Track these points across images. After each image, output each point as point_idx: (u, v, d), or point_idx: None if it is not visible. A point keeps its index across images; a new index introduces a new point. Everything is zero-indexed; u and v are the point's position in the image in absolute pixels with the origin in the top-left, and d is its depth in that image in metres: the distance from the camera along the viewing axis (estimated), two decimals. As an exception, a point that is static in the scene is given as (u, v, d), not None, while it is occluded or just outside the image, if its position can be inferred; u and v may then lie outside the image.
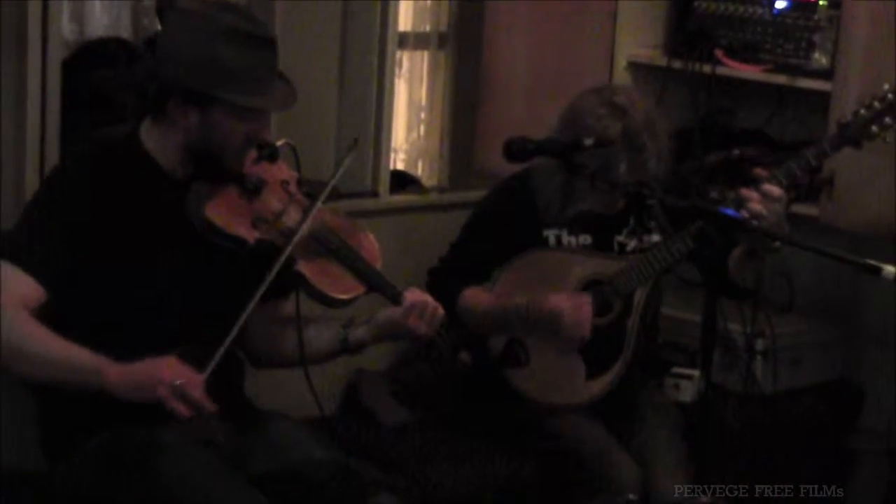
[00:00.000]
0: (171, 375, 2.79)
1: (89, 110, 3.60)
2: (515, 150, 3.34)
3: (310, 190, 3.09)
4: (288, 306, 3.12)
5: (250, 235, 2.98)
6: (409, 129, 4.60)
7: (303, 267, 2.99)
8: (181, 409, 2.78)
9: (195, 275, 3.01)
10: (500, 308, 3.54)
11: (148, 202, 3.00)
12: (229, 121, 2.93)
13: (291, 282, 3.01)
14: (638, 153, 3.44)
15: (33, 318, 2.86)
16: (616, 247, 3.63)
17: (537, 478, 3.64)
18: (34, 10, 3.36)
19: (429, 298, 3.09)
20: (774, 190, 3.34)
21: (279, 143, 3.05)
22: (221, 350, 2.86)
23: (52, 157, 3.41)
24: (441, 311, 3.08)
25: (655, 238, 3.61)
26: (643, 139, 3.45)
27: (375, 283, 3.06)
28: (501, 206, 3.68)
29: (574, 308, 3.47)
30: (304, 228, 2.98)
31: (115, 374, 2.80)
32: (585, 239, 3.62)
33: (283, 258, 2.93)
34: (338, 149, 3.96)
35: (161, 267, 2.98)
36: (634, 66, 4.53)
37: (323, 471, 2.97)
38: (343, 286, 3.04)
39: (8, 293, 2.85)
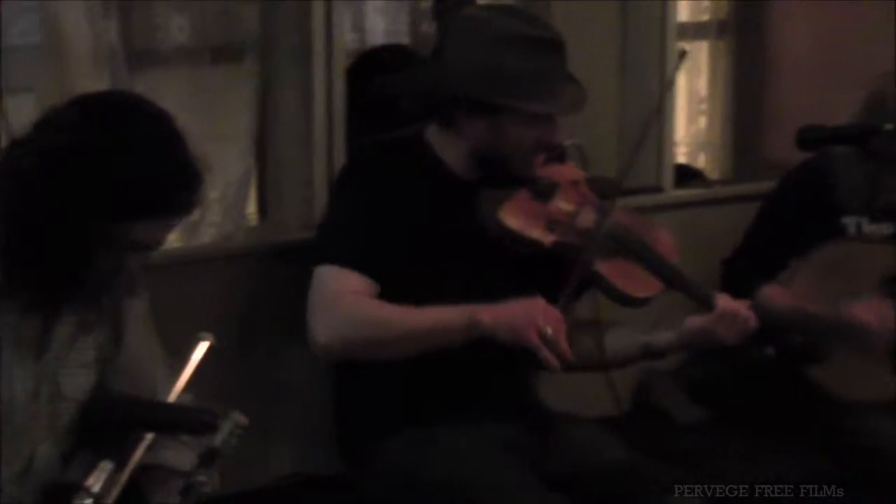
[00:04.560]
0: (544, 320, 2.76)
1: (369, 117, 3.64)
2: (810, 138, 3.27)
3: (601, 188, 3.05)
4: (581, 308, 3.08)
5: (546, 238, 2.95)
6: (690, 122, 4.54)
7: (601, 267, 2.95)
8: (552, 361, 2.76)
9: (485, 279, 2.99)
10: (800, 314, 3.44)
11: (436, 203, 3.00)
12: (519, 127, 2.92)
13: (589, 282, 2.97)
14: None
15: (380, 301, 2.88)
16: None
17: (837, 476, 3.52)
18: (317, 23, 3.42)
19: (741, 308, 2.98)
20: None
21: (567, 143, 3.02)
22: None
23: (339, 164, 3.45)
24: (753, 321, 2.97)
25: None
26: None
27: (675, 281, 2.99)
28: (797, 194, 3.58)
29: (880, 320, 3.35)
30: (602, 227, 2.94)
31: (489, 316, 2.80)
32: (888, 227, 3.50)
33: (583, 259, 2.89)
34: (621, 144, 3.92)
35: (451, 270, 2.98)
36: (927, 44, 4.36)
37: (620, 472, 2.93)
38: (642, 284, 2.98)
39: (346, 294, 2.87)
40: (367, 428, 3.00)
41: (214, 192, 3.44)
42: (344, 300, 2.86)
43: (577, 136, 3.07)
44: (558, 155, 3.02)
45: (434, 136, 3.03)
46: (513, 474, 2.85)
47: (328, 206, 3.08)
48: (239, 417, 2.19)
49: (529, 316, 2.77)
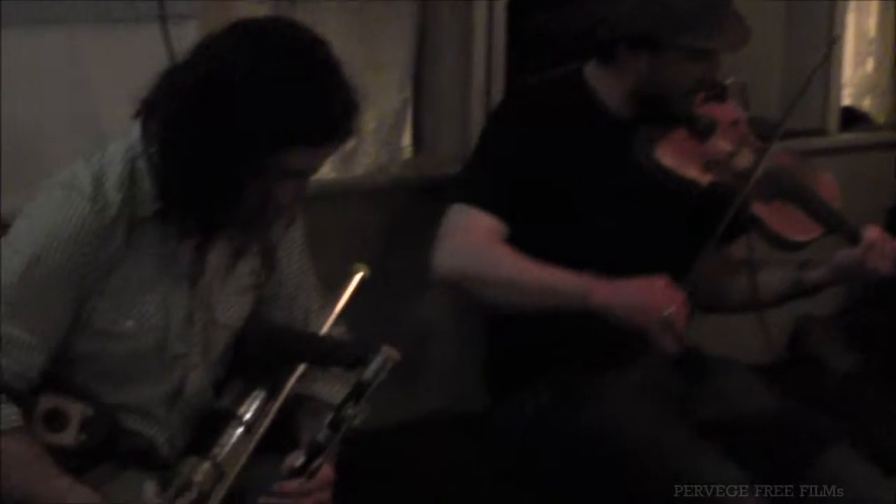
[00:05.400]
0: (664, 302, 2.71)
1: (528, 52, 3.61)
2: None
3: (761, 129, 2.99)
4: (736, 250, 3.04)
5: (703, 178, 2.91)
6: (857, 64, 4.42)
7: (758, 209, 2.90)
8: (668, 345, 2.71)
9: (640, 219, 2.96)
10: None
11: (591, 141, 2.96)
12: (682, 64, 2.86)
13: (745, 225, 2.92)
14: None
15: (507, 246, 2.85)
16: None
17: None
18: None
19: (887, 236, 2.92)
20: None
21: (728, 81, 2.96)
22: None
23: (497, 100, 3.43)
24: None
25: None
26: None
27: (834, 224, 2.93)
28: None
29: None
30: (761, 169, 2.88)
31: (604, 294, 2.75)
32: None
33: (739, 200, 2.84)
34: (784, 84, 3.84)
35: (603, 210, 2.95)
36: None
37: (772, 421, 2.89)
38: (800, 228, 2.93)
39: (474, 232, 2.87)
40: (516, 369, 3.00)
41: (371, 122, 3.44)
42: (472, 237, 2.85)
43: (739, 74, 3.01)
44: (719, 93, 2.96)
45: (593, 73, 2.99)
46: (662, 421, 2.83)
47: (478, 142, 3.07)
48: (391, 352, 2.18)
49: (651, 298, 2.70)
